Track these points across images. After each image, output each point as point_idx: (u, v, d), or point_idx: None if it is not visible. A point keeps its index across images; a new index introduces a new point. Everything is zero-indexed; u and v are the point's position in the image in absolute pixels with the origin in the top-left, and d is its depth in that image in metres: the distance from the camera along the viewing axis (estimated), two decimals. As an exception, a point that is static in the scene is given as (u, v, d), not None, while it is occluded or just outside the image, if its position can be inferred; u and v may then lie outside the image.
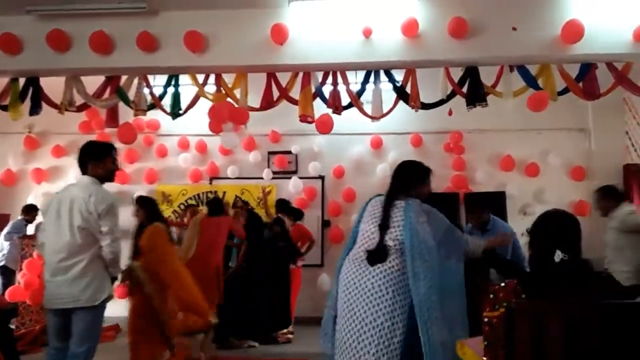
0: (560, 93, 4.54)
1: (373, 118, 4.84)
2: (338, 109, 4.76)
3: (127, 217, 6.93)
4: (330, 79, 4.73)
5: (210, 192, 7.15)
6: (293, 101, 4.76)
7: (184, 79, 4.86)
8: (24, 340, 5.15)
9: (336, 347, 2.58)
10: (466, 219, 5.90)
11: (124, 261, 3.67)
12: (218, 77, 4.75)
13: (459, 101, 4.63)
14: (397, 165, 2.91)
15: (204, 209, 5.65)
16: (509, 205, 6.57)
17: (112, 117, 5.00)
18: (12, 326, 5.17)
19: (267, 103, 4.79)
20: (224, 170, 7.17)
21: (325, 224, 7.00)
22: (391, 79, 4.66)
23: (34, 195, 7.04)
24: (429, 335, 2.38)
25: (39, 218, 6.21)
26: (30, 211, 6.42)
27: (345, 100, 4.78)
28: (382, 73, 4.67)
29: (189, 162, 7.20)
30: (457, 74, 4.64)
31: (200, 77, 4.80)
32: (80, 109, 4.93)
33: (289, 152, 7.14)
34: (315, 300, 6.15)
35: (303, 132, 6.75)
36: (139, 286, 3.81)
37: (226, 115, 4.63)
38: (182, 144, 7.24)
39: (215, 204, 5.16)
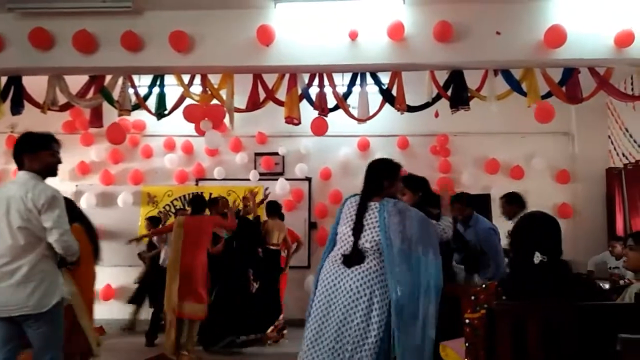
0: (544, 97, 4.59)
1: (359, 120, 4.85)
2: (324, 111, 4.76)
3: (111, 217, 6.97)
4: (316, 81, 4.73)
5: (197, 193, 7.10)
6: (279, 102, 4.76)
7: (170, 79, 4.82)
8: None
9: (308, 346, 2.61)
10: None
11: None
12: (204, 77, 4.72)
13: (445, 104, 4.67)
14: (370, 166, 2.93)
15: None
16: (494, 208, 6.58)
17: (96, 117, 4.94)
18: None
19: (253, 104, 4.78)
20: (210, 172, 7.13)
21: (312, 225, 7.00)
22: (377, 82, 4.67)
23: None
24: (402, 335, 2.43)
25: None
26: None
27: (331, 102, 4.79)
28: (368, 76, 4.68)
29: (174, 163, 7.14)
30: (443, 77, 4.67)
31: (186, 78, 4.77)
32: (63, 108, 4.86)
33: (276, 154, 7.12)
34: (303, 302, 6.10)
35: (290, 134, 6.75)
36: None
37: (200, 114, 4.61)
38: (168, 145, 7.18)
39: (197, 202, 5.11)
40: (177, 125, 6.52)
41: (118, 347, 5.45)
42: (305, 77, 4.75)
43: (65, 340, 2.81)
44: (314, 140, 6.88)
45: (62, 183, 6.63)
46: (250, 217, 5.76)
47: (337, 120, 5.08)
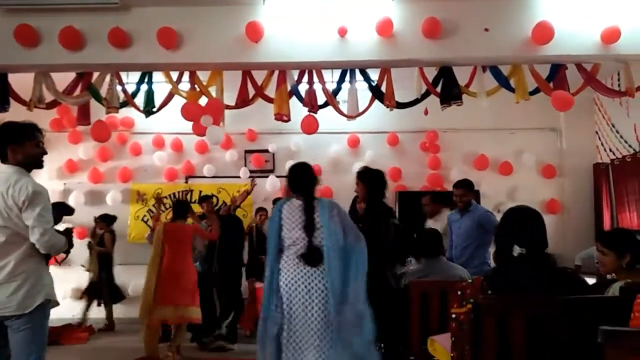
0: (532, 93, 4.62)
1: (349, 117, 4.86)
2: (314, 107, 4.76)
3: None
4: (306, 78, 4.72)
5: (186, 191, 7.08)
6: (269, 99, 4.75)
7: (158, 76, 4.79)
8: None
9: (293, 344, 2.76)
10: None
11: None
12: (192, 74, 4.70)
13: (434, 101, 4.68)
14: (291, 170, 3.17)
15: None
16: (483, 204, 6.60)
17: (84, 115, 4.90)
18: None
19: (243, 101, 4.76)
20: (199, 169, 7.10)
21: (302, 222, 7.00)
22: (366, 78, 4.68)
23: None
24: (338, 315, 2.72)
25: None
26: None
27: (321, 99, 4.78)
28: (357, 72, 4.69)
29: (164, 160, 7.10)
30: (432, 73, 4.69)
31: (174, 75, 4.74)
32: (50, 106, 4.80)
33: (266, 151, 7.11)
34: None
35: (280, 131, 6.74)
36: None
37: (198, 112, 4.55)
38: (157, 142, 7.14)
39: (178, 208, 5.08)
40: (166, 122, 6.50)
41: (108, 348, 5.41)
42: (295, 74, 4.74)
43: None
44: (304, 138, 6.85)
45: (50, 181, 6.58)
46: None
47: (327, 117, 5.09)
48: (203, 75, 4.74)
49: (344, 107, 4.84)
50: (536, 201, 6.59)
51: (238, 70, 4.72)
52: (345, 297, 2.73)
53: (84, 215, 6.45)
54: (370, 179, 3.68)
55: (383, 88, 4.66)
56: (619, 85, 5.56)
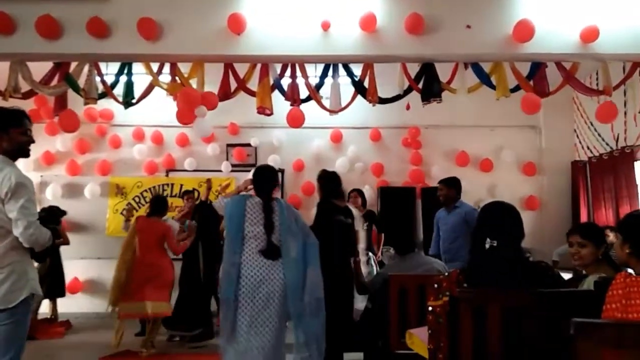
0: (512, 90, 4.67)
1: (332, 112, 4.84)
2: (296, 101, 4.74)
3: (77, 209, 6.79)
4: (288, 72, 4.70)
5: (167, 184, 7.00)
6: (251, 93, 4.71)
7: (138, 67, 4.71)
8: None
9: (246, 331, 3.03)
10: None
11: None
12: (173, 66, 4.63)
13: (416, 97, 4.70)
14: (257, 171, 3.41)
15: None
16: (463, 200, 6.70)
17: (61, 105, 4.79)
18: None
19: (224, 94, 4.71)
20: (180, 163, 7.03)
21: (284, 217, 6.99)
22: (349, 73, 4.68)
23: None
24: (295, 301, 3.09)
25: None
26: None
27: (303, 93, 4.76)
28: (340, 67, 4.68)
29: (144, 153, 7.02)
30: (414, 69, 4.70)
31: (155, 66, 4.67)
32: (26, 96, 4.69)
33: (248, 145, 7.07)
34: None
35: (262, 125, 6.71)
36: None
37: (198, 100, 4.46)
38: (137, 135, 7.04)
39: (155, 204, 5.04)
40: (146, 114, 6.43)
41: (88, 343, 5.33)
42: (278, 68, 4.71)
43: None
44: (286, 132, 6.85)
45: (26, 173, 6.33)
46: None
47: (309, 112, 5.06)
48: (184, 67, 4.68)
49: (326, 102, 4.82)
50: (516, 198, 6.69)
51: (220, 63, 4.67)
52: (304, 286, 3.12)
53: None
54: (324, 180, 4.01)
55: (366, 83, 4.65)
56: (597, 84, 5.66)
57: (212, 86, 4.70)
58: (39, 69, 4.63)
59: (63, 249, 6.13)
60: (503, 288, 1.92)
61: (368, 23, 4.35)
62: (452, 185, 4.83)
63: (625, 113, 5.85)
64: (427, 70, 4.61)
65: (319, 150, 7.07)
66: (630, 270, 1.83)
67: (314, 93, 4.74)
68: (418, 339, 2.40)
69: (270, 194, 3.30)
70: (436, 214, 5.00)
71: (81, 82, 4.64)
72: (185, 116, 4.57)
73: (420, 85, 4.63)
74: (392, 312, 3.27)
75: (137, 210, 6.65)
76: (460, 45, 4.42)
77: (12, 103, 4.71)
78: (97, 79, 4.67)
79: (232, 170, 6.90)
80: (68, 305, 6.43)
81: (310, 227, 3.42)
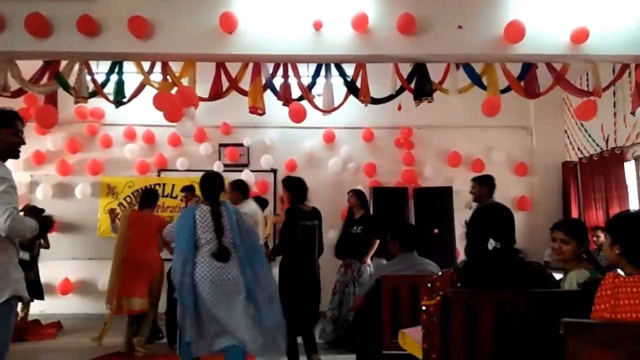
0: (503, 91, 4.69)
1: (324, 112, 4.84)
2: (288, 101, 4.72)
3: (68, 209, 6.73)
4: (281, 71, 4.68)
5: (158, 184, 6.96)
6: (243, 92, 4.69)
7: (129, 66, 4.68)
8: None
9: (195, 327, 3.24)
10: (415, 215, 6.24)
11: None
12: (164, 65, 4.60)
13: (409, 97, 4.71)
14: (203, 178, 3.60)
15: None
16: (455, 200, 6.75)
17: (51, 104, 4.75)
18: None
19: (216, 93, 4.69)
20: (172, 162, 7.00)
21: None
22: (342, 73, 4.67)
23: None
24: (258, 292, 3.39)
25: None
26: None
27: (296, 93, 4.75)
28: (333, 67, 4.67)
29: (135, 153, 6.97)
30: (407, 69, 4.71)
31: (146, 65, 4.63)
32: (15, 94, 4.64)
33: (241, 145, 7.05)
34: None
35: (255, 125, 6.70)
36: None
37: (180, 101, 4.44)
38: (129, 134, 7.00)
39: (145, 196, 5.00)
40: (137, 114, 6.37)
41: (78, 344, 5.28)
42: (270, 67, 4.70)
43: None
44: (279, 132, 6.86)
45: (16, 173, 6.31)
46: None
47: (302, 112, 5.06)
48: (176, 66, 4.65)
49: (318, 102, 4.82)
50: (507, 198, 6.71)
51: (212, 62, 4.65)
52: (257, 283, 3.38)
53: (51, 209, 6.24)
54: (290, 186, 4.36)
55: (358, 83, 4.65)
56: (587, 85, 5.71)
57: (204, 85, 4.68)
58: (29, 67, 4.59)
59: (51, 249, 6.09)
60: (502, 288, 1.93)
61: (360, 23, 4.35)
62: (485, 183, 4.87)
63: (614, 114, 5.91)
64: (419, 70, 4.62)
65: (312, 150, 7.07)
66: (619, 271, 1.84)
67: (306, 93, 4.73)
68: (411, 338, 2.40)
69: (217, 199, 3.48)
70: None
71: (71, 80, 4.60)
72: (175, 115, 4.56)
73: (412, 85, 4.63)
74: (384, 313, 3.27)
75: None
76: (452, 46, 4.43)
77: (1, 102, 4.70)
78: (88, 77, 4.62)
79: (224, 170, 6.84)
80: (58, 306, 6.38)
81: (280, 230, 3.82)
